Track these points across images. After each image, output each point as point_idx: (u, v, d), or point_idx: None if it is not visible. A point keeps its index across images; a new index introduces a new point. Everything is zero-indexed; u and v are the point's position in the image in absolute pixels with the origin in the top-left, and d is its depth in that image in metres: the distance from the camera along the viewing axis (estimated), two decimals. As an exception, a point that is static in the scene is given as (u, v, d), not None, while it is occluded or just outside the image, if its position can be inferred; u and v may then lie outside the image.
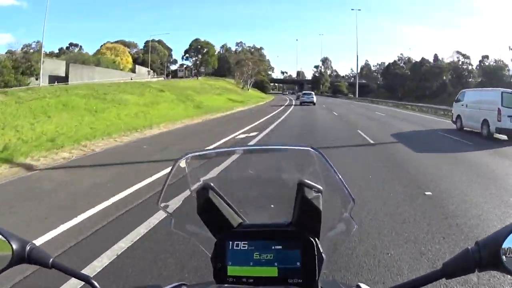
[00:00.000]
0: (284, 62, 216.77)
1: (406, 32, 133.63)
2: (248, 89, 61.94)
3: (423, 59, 70.06)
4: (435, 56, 72.39)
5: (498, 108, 11.29)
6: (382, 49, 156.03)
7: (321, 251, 0.79)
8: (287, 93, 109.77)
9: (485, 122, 12.10)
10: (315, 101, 38.32)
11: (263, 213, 0.92)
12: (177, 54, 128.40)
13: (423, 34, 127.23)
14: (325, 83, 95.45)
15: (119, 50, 60.42)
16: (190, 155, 0.88)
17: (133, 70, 56.73)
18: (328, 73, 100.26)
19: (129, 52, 65.19)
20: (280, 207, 0.94)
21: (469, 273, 0.57)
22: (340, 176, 0.80)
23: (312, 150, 0.82)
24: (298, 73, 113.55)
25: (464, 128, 13.99)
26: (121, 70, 53.51)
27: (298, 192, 0.78)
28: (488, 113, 11.93)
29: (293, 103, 41.04)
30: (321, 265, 0.79)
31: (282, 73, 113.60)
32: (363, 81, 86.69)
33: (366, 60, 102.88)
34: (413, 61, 72.46)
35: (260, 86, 77.89)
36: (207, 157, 0.95)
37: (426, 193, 5.23)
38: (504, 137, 11.63)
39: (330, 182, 0.81)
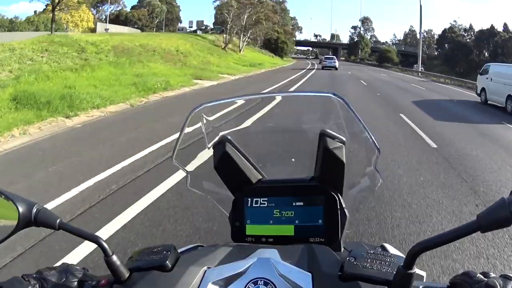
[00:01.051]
0: (318, 27, 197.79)
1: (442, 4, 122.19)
2: (241, 50, 40.37)
3: (492, 27, 51.90)
4: (505, 26, 52.93)
5: None
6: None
7: (344, 208, 0.74)
8: (311, 57, 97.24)
9: (510, 97, 11.85)
10: (337, 66, 37.08)
11: (284, 168, 0.88)
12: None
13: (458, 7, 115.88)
14: (365, 49, 77.98)
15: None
16: (205, 105, 0.82)
17: (93, 30, 40.93)
18: (368, 37, 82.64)
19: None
20: (301, 161, 0.89)
21: (505, 226, 0.50)
22: (364, 124, 0.74)
23: (334, 96, 0.76)
24: (333, 36, 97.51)
25: (488, 102, 13.61)
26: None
27: (320, 143, 0.73)
28: None
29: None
30: (344, 223, 0.74)
31: (316, 36, 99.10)
32: (409, 49, 68.53)
33: (411, 26, 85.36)
34: (475, 30, 55.52)
35: (274, 46, 56.99)
36: (222, 106, 0.88)
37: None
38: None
39: (353, 132, 0.76)
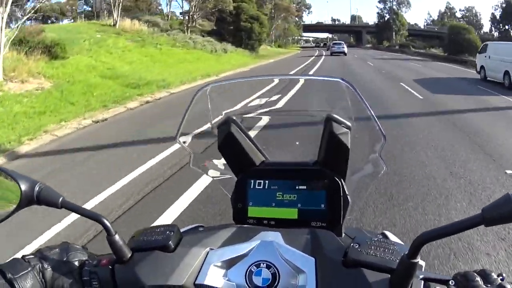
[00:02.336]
0: (337, 11, 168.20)
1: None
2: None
3: None
4: None
5: None
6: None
7: (347, 193, 0.72)
8: (321, 45, 77.96)
9: (507, 73, 12.61)
10: (346, 51, 35.32)
11: (288, 151, 0.86)
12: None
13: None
14: (401, 30, 56.72)
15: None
16: (211, 85, 0.80)
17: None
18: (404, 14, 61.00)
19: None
20: (305, 145, 0.87)
21: (509, 222, 0.48)
22: (371, 111, 0.71)
23: (342, 81, 0.74)
24: (353, 17, 79.32)
25: (488, 78, 14.21)
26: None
27: (325, 127, 0.71)
28: (509, 65, 12.48)
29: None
30: (346, 208, 0.72)
31: (333, 20, 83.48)
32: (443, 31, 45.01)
33: (448, 3, 69.81)
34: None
35: (234, 29, 30.56)
36: (229, 87, 0.83)
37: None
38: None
39: (360, 118, 0.73)
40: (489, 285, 0.50)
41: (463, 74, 17.86)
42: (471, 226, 0.49)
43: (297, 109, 1.27)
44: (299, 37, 78.75)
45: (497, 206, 0.48)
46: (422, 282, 0.53)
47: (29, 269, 0.58)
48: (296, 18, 59.71)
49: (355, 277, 0.53)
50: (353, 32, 74.93)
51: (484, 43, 16.39)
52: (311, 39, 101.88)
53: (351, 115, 0.72)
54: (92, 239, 2.79)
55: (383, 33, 59.05)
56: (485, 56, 15.12)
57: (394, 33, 55.83)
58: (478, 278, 0.51)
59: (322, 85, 0.80)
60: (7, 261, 0.58)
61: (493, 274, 0.52)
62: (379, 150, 0.74)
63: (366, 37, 66.31)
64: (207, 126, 0.80)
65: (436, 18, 67.33)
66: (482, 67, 15.43)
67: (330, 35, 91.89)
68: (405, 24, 57.98)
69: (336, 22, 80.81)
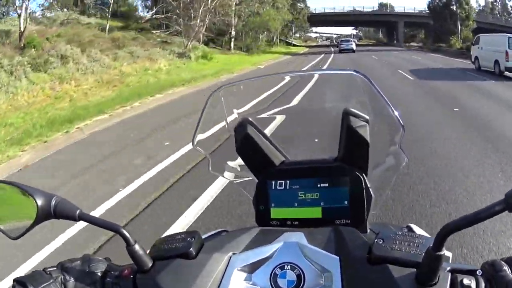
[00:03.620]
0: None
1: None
2: None
3: None
4: None
5: (506, 51, 13.04)
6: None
7: (370, 188, 0.69)
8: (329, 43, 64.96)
9: (496, 62, 13.75)
10: (354, 48, 32.98)
11: (307, 148, 0.84)
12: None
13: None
14: (468, 20, 33.12)
15: None
16: (224, 87, 0.77)
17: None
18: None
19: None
20: (324, 142, 0.84)
21: None
22: (388, 101, 0.68)
23: (356, 74, 0.71)
24: (382, 5, 55.60)
25: (481, 68, 15.21)
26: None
27: (343, 122, 0.68)
28: (499, 54, 13.55)
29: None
30: (370, 204, 0.69)
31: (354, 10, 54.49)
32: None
33: None
34: None
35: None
36: (242, 88, 0.81)
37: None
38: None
39: (377, 110, 0.70)
40: None
41: None
42: (494, 213, 0.46)
43: (313, 106, 1.18)
44: (310, 32, 64.97)
45: None
46: (449, 274, 0.51)
47: (51, 281, 0.56)
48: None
49: (380, 274, 0.51)
50: (384, 25, 53.89)
51: (477, 36, 17.63)
52: (329, 35, 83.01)
53: (368, 108, 0.69)
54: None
55: (439, 24, 34.75)
56: (478, 48, 16.17)
57: (460, 24, 32.69)
58: (506, 267, 0.49)
59: (336, 79, 0.77)
60: (28, 273, 0.57)
61: None
62: (398, 141, 0.71)
63: (402, 31, 46.99)
64: (222, 128, 0.76)
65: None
66: (476, 57, 16.40)
67: (355, 32, 75.96)
68: (471, 15, 33.98)
69: (360, 9, 52.23)
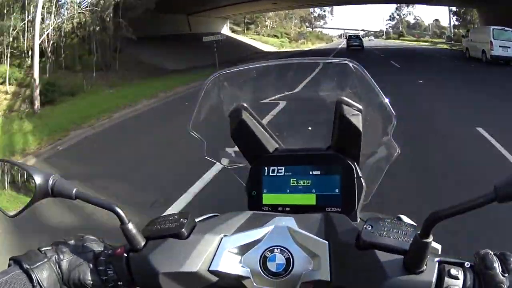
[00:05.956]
0: None
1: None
2: None
3: None
4: None
5: (490, 41, 14.89)
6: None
7: (361, 177, 0.68)
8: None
9: (483, 51, 15.65)
10: (363, 45, 30.96)
11: (300, 136, 0.82)
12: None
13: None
14: None
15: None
16: (221, 73, 0.75)
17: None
18: None
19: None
20: (318, 130, 0.83)
21: None
22: (381, 92, 0.67)
23: (350, 63, 0.69)
24: None
25: (471, 57, 17.22)
26: None
27: (336, 111, 0.67)
28: (485, 44, 15.39)
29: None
30: (361, 193, 0.68)
31: None
32: None
33: None
34: None
35: None
36: (240, 74, 0.79)
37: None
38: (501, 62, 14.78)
39: (370, 100, 0.69)
40: (506, 275, 0.46)
41: None
42: (483, 203, 0.45)
43: (307, 94, 0.95)
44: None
45: (509, 181, 0.44)
46: (437, 264, 0.50)
47: (45, 260, 0.56)
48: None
49: (368, 259, 0.50)
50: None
51: (467, 30, 20.32)
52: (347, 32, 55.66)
53: (361, 97, 0.68)
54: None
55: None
56: (468, 40, 18.20)
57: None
58: (496, 264, 0.47)
59: (330, 67, 0.75)
60: (23, 253, 0.57)
61: None
62: (390, 132, 0.70)
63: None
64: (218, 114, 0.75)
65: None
66: (467, 48, 18.52)
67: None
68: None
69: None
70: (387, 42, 46.40)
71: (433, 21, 54.20)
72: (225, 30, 28.89)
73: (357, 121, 0.66)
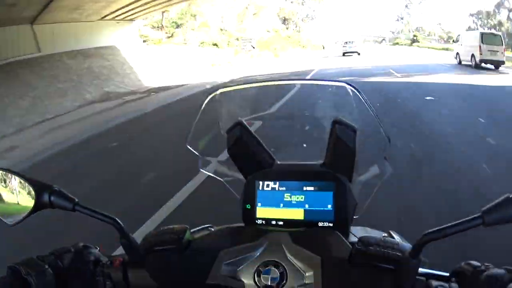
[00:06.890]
0: None
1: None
2: None
3: None
4: None
5: (479, 45, 14.88)
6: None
7: (353, 194, 0.70)
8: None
9: (472, 56, 15.49)
10: (359, 51, 29.87)
11: (295, 153, 0.83)
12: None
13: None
14: None
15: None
16: (220, 90, 0.76)
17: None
18: None
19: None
20: (313, 147, 0.84)
21: (510, 222, 0.47)
22: (376, 114, 0.69)
23: (348, 86, 0.70)
24: None
25: (462, 62, 16.92)
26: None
27: (332, 130, 0.68)
28: (474, 49, 15.27)
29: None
30: (353, 209, 0.69)
31: None
32: None
33: None
34: None
35: None
36: (237, 92, 0.80)
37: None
38: (491, 66, 14.82)
39: (365, 121, 0.71)
40: None
41: None
42: (470, 226, 0.48)
43: (304, 113, 1.09)
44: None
45: (496, 207, 0.47)
46: (425, 279, 0.53)
47: (44, 268, 0.56)
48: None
49: (360, 275, 0.52)
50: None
51: (458, 34, 19.76)
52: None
53: (356, 118, 0.69)
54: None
55: None
56: (459, 44, 17.96)
57: None
58: (481, 277, 0.49)
59: (328, 89, 0.77)
60: (22, 260, 0.56)
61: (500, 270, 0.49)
62: (383, 153, 0.71)
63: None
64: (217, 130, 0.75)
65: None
66: (457, 53, 18.33)
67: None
68: None
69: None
70: (399, 51, 33.77)
71: (437, 24, 47.29)
72: (131, 39, 16.14)
73: (352, 141, 0.67)
